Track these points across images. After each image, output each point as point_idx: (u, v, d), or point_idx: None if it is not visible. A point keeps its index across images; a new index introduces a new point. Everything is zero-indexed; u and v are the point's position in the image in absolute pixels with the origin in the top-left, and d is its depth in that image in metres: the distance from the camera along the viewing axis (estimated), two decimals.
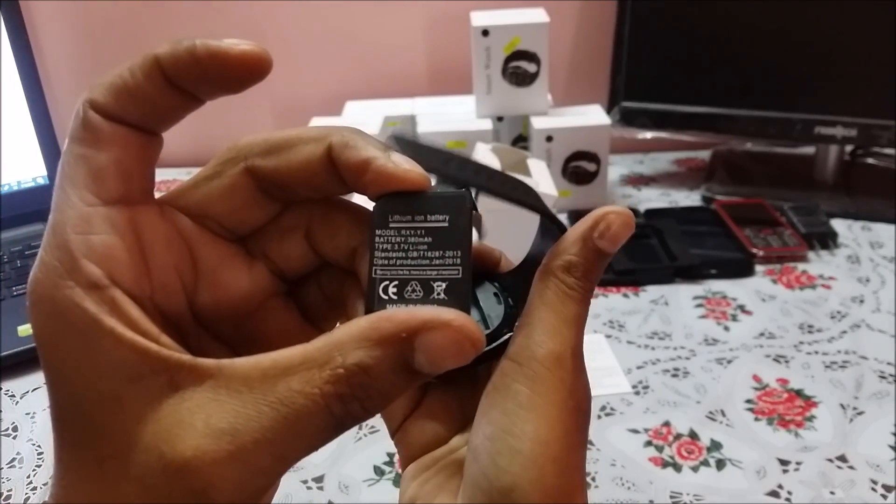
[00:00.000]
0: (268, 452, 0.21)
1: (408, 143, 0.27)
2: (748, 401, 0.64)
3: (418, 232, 0.25)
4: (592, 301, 0.80)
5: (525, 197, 0.28)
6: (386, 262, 0.25)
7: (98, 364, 0.21)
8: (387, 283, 0.25)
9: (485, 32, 0.91)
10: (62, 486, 0.22)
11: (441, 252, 0.25)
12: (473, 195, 0.27)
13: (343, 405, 0.21)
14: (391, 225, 0.25)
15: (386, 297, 0.24)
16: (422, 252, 0.25)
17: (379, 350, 0.21)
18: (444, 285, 0.25)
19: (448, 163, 0.27)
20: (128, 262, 0.23)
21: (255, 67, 0.25)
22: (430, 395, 0.32)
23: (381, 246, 0.25)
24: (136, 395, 0.21)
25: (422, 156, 0.26)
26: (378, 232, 0.25)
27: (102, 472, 0.21)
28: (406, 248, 0.25)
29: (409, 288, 0.24)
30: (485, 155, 0.84)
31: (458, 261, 0.25)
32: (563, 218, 0.94)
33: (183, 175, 1.12)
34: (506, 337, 0.30)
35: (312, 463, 0.59)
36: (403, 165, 0.25)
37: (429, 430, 0.31)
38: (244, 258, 0.27)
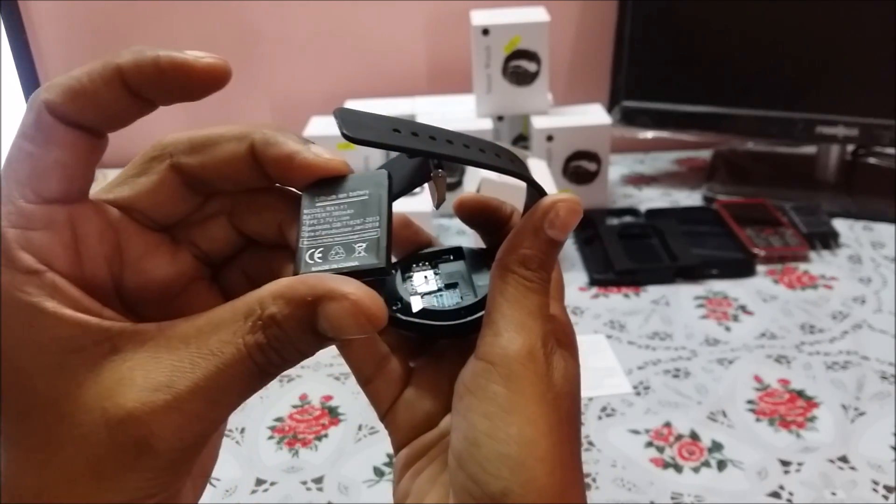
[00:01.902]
0: (202, 400, 0.22)
1: (355, 121, 0.27)
2: (749, 401, 0.64)
3: (342, 206, 0.27)
4: (593, 301, 0.81)
5: (488, 159, 0.29)
6: (313, 233, 0.27)
7: (41, 341, 0.23)
8: (312, 250, 0.26)
9: (485, 31, 0.91)
10: (10, 460, 0.23)
11: (362, 219, 0.27)
12: (436, 160, 0.29)
13: (262, 354, 0.23)
14: (317, 205, 0.27)
15: (311, 262, 0.26)
16: (345, 222, 0.27)
17: (289, 308, 0.23)
18: (364, 245, 0.26)
19: (400, 135, 0.28)
20: (62, 255, 0.24)
21: (218, 79, 0.26)
22: (417, 375, 0.33)
23: (307, 222, 0.27)
24: (79, 363, 0.23)
25: (371, 132, 0.27)
26: (305, 212, 0.27)
27: (49, 439, 0.23)
28: (331, 220, 0.27)
29: (332, 252, 0.26)
30: None
31: (378, 223, 0.27)
32: None
33: None
34: (479, 314, 0.30)
35: (312, 464, 0.59)
36: (324, 155, 0.27)
37: (418, 409, 0.32)
38: (169, 246, 0.28)
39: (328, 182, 0.28)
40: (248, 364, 0.23)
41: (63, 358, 0.23)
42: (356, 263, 0.26)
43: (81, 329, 0.23)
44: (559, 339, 0.30)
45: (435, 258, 0.34)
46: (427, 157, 0.29)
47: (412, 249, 0.35)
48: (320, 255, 0.26)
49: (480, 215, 0.33)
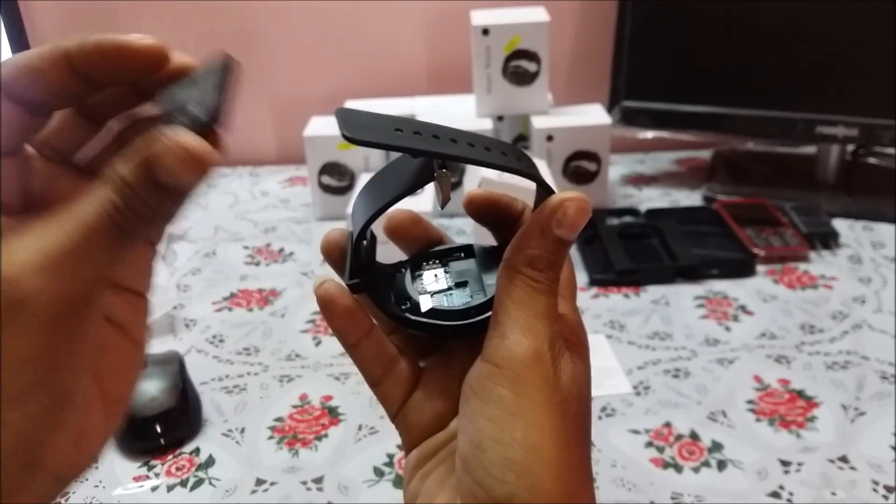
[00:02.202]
0: (70, 257, 0.24)
1: (355, 121, 0.27)
2: (749, 401, 0.64)
3: (191, 86, 0.28)
4: (593, 301, 0.80)
5: (493, 157, 0.29)
6: (167, 105, 0.27)
7: None
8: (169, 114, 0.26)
9: (485, 31, 0.91)
10: None
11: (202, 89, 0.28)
12: (439, 160, 0.29)
13: (119, 213, 0.24)
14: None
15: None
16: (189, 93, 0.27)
17: (133, 166, 0.24)
18: (200, 108, 0.27)
19: (402, 134, 0.28)
20: None
21: (156, 60, 0.26)
22: (426, 375, 0.33)
23: (164, 99, 0.27)
24: None
25: (372, 132, 0.27)
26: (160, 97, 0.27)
27: None
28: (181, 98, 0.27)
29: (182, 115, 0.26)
30: None
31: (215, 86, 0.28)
32: None
33: None
34: (488, 314, 0.30)
35: (312, 464, 0.59)
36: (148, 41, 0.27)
37: (427, 410, 0.32)
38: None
39: (177, 85, 0.28)
40: (107, 222, 0.24)
41: None
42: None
43: None
44: (568, 340, 0.30)
45: (446, 256, 0.34)
46: (430, 158, 0.29)
47: (423, 247, 0.34)
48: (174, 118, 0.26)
49: (490, 212, 0.33)
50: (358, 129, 0.27)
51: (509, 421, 0.27)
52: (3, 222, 0.25)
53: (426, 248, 0.34)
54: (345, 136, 0.27)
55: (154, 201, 0.25)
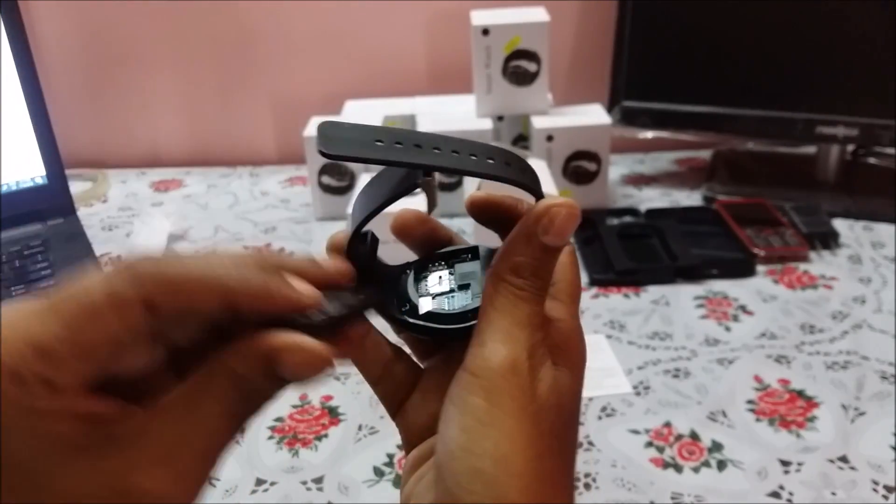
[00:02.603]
0: (199, 461, 0.27)
1: (335, 136, 0.27)
2: (749, 401, 0.64)
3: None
4: (593, 301, 0.80)
5: (477, 165, 0.28)
6: None
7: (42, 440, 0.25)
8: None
9: (485, 31, 0.91)
10: None
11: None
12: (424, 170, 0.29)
13: (242, 407, 0.27)
14: None
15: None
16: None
17: (254, 363, 0.27)
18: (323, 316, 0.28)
19: (382, 146, 0.28)
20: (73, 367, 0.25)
21: (303, 308, 0.29)
22: (425, 376, 0.32)
23: None
24: (81, 458, 0.25)
25: (350, 146, 0.27)
26: None
27: None
28: None
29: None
30: None
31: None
32: None
33: (182, 175, 1.12)
34: (472, 323, 0.30)
35: (312, 464, 0.59)
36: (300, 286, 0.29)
37: (424, 411, 0.32)
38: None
39: None
40: (232, 420, 0.27)
41: (65, 454, 0.24)
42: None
43: (78, 423, 0.24)
44: (558, 347, 0.29)
45: (452, 258, 0.34)
46: (409, 168, 0.29)
47: (431, 247, 0.34)
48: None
49: (492, 214, 0.33)
50: (336, 144, 0.27)
51: (480, 431, 0.26)
52: (109, 415, 0.25)
53: (435, 248, 0.34)
54: (321, 153, 0.27)
55: (271, 392, 0.28)
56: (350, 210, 0.32)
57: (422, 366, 0.33)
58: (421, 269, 0.33)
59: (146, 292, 0.25)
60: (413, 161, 0.28)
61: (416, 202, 0.81)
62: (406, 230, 0.34)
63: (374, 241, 0.33)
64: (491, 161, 0.29)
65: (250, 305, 0.27)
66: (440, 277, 0.33)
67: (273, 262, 0.28)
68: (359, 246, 0.32)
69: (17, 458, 0.23)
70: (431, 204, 0.30)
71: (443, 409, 0.28)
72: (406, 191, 0.30)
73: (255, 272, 0.27)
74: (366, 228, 0.32)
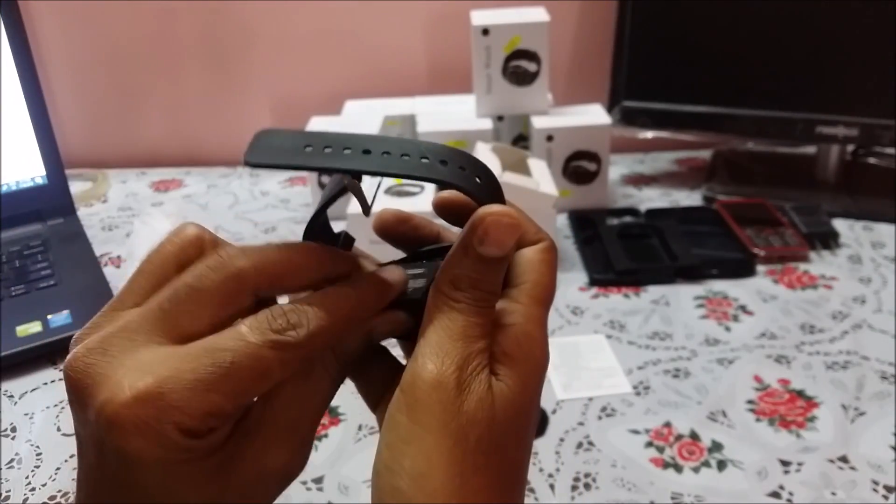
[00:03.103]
0: (312, 426, 0.29)
1: (266, 143, 0.28)
2: (749, 401, 0.64)
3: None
4: (593, 301, 0.80)
5: (403, 166, 0.28)
6: None
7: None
8: None
9: (485, 31, 0.91)
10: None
11: None
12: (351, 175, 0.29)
13: (339, 371, 0.30)
14: None
15: None
16: None
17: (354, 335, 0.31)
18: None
19: (310, 151, 0.27)
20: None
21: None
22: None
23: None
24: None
25: (276, 154, 0.27)
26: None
27: None
28: None
29: None
30: (485, 155, 0.84)
31: None
32: (562, 218, 0.94)
33: (182, 174, 1.12)
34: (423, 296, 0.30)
35: (312, 464, 0.59)
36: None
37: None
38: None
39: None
40: (335, 386, 0.31)
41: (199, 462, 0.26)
42: None
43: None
44: (506, 354, 0.28)
45: (436, 255, 0.33)
46: (331, 173, 0.29)
47: (416, 245, 0.34)
48: None
49: (461, 214, 0.31)
50: (260, 153, 0.27)
51: (401, 448, 0.26)
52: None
53: (420, 246, 0.34)
54: (246, 163, 0.27)
55: (358, 355, 0.31)
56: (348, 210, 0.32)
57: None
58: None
59: (305, 355, 0.27)
60: (332, 166, 0.27)
61: (415, 201, 0.81)
62: (385, 230, 0.33)
63: (348, 241, 0.33)
64: (425, 160, 0.28)
65: (377, 307, 0.30)
66: (414, 276, 0.32)
67: (353, 261, 0.31)
68: (327, 239, 0.32)
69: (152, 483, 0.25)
70: (363, 205, 0.30)
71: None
72: (335, 196, 0.30)
73: (367, 284, 0.30)
74: (340, 230, 0.32)
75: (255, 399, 0.28)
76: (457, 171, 0.28)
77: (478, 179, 0.29)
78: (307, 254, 0.29)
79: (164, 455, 0.25)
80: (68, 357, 0.26)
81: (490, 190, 0.29)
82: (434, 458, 0.26)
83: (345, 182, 0.29)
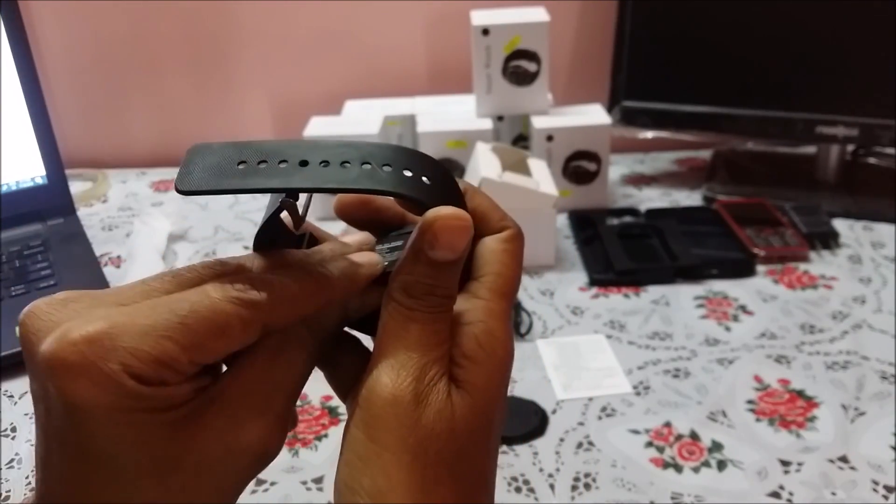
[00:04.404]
0: (288, 402, 0.28)
1: (198, 164, 0.26)
2: (749, 401, 0.64)
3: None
4: (593, 301, 0.80)
5: (339, 178, 0.26)
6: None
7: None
8: None
9: (485, 31, 0.91)
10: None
11: None
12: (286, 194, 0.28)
13: (315, 347, 0.29)
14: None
15: None
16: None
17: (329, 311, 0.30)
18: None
19: (243, 168, 0.26)
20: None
21: None
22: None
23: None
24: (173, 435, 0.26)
25: (208, 176, 0.26)
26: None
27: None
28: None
29: None
30: (485, 155, 0.84)
31: None
32: (562, 218, 0.93)
33: None
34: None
35: (312, 464, 0.59)
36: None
37: None
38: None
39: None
40: (311, 362, 0.29)
41: (173, 429, 0.25)
42: None
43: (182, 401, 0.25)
44: (466, 357, 0.27)
45: (398, 240, 0.32)
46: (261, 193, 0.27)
47: (379, 229, 0.33)
48: None
49: (364, 216, 0.32)
50: (191, 178, 0.26)
51: (359, 466, 0.26)
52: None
53: (385, 230, 0.33)
54: (178, 190, 0.26)
55: (336, 333, 0.31)
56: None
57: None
58: None
59: (266, 318, 0.26)
60: (265, 186, 0.26)
61: None
62: (346, 213, 0.32)
63: (314, 241, 0.32)
64: (366, 166, 0.26)
65: (347, 294, 0.29)
66: (392, 248, 0.31)
67: (335, 252, 0.30)
68: (290, 243, 0.31)
69: (118, 448, 0.24)
70: (294, 223, 0.29)
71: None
72: (275, 213, 0.28)
73: (337, 268, 0.29)
74: (303, 230, 0.31)
75: (224, 368, 0.27)
76: (400, 176, 0.27)
77: (425, 179, 0.27)
78: (299, 261, 0.29)
79: (111, 401, 0.23)
80: (26, 307, 0.25)
81: (442, 189, 0.28)
82: (393, 475, 0.25)
83: (284, 199, 0.28)
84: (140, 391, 0.23)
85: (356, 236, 0.32)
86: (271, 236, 0.29)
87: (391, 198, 0.32)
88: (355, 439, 0.26)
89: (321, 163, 0.26)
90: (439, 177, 0.28)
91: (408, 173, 0.27)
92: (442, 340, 0.27)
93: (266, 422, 0.26)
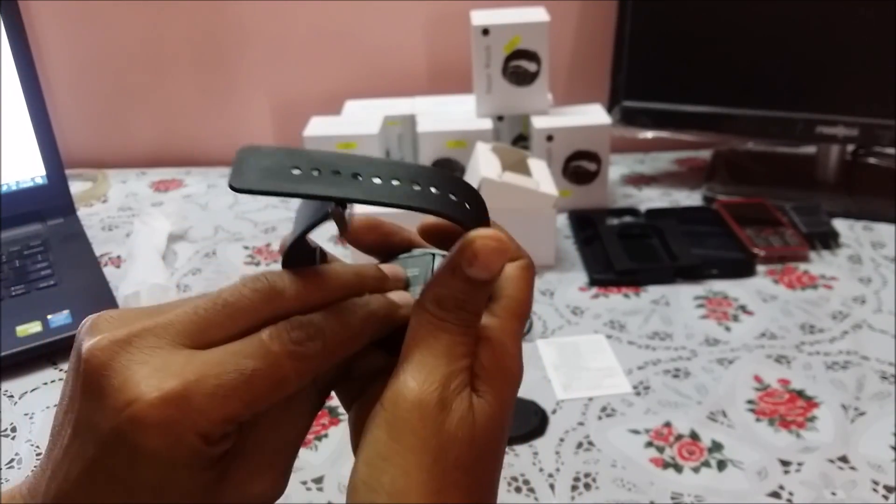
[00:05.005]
0: (292, 453, 0.31)
1: (251, 165, 0.27)
2: (749, 401, 0.64)
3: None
4: (593, 301, 0.80)
5: (391, 195, 0.27)
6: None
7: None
8: None
9: (485, 31, 0.91)
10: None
11: None
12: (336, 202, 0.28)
13: (318, 399, 0.31)
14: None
15: None
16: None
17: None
18: None
19: (298, 175, 0.27)
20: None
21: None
22: (381, 379, 0.32)
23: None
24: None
25: (263, 177, 0.27)
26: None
27: None
28: None
29: None
30: (485, 155, 0.84)
31: None
32: (562, 218, 0.94)
33: (182, 174, 1.12)
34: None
35: (312, 464, 0.59)
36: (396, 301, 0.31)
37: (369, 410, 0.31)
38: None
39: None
40: (315, 412, 0.32)
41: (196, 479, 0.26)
42: None
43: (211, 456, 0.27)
44: (485, 368, 0.29)
45: (413, 262, 0.33)
46: (321, 201, 0.28)
47: (387, 252, 0.34)
48: None
49: (367, 241, 0.33)
50: (247, 177, 0.26)
51: (379, 465, 0.26)
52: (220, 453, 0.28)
53: (392, 253, 0.34)
54: (231, 187, 0.26)
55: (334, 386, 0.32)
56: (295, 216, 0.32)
57: None
58: None
59: (318, 370, 0.28)
60: (322, 193, 0.27)
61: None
62: (357, 234, 0.33)
63: (324, 255, 0.32)
64: (417, 187, 0.28)
65: (387, 327, 0.31)
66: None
67: (367, 284, 0.31)
68: (304, 260, 0.31)
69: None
70: (341, 233, 0.29)
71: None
72: (318, 221, 0.29)
73: (380, 308, 0.30)
74: (314, 244, 0.32)
75: (241, 424, 0.28)
76: (447, 199, 0.28)
77: (467, 206, 0.29)
78: (337, 278, 0.30)
79: (178, 457, 0.25)
80: (91, 342, 0.26)
81: (478, 213, 0.30)
82: (414, 475, 0.26)
83: (329, 209, 0.28)
84: (203, 450, 0.26)
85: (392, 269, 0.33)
86: (300, 247, 0.30)
87: (397, 225, 0.34)
88: (377, 439, 0.27)
89: (373, 177, 0.27)
90: (476, 203, 0.30)
91: (453, 197, 0.29)
92: (467, 353, 0.28)
93: (276, 473, 0.29)
